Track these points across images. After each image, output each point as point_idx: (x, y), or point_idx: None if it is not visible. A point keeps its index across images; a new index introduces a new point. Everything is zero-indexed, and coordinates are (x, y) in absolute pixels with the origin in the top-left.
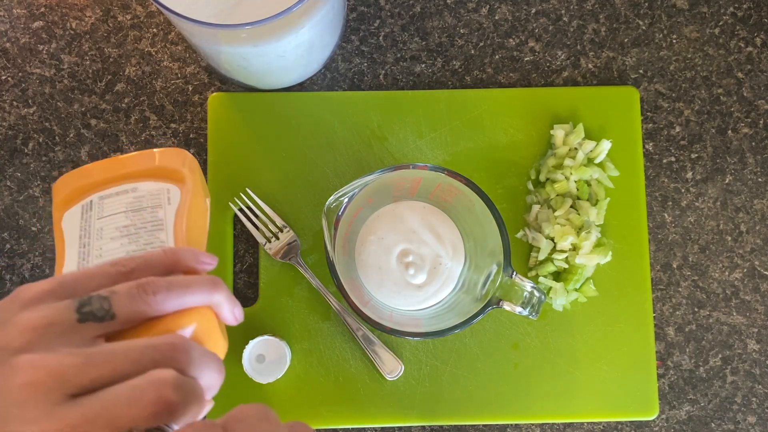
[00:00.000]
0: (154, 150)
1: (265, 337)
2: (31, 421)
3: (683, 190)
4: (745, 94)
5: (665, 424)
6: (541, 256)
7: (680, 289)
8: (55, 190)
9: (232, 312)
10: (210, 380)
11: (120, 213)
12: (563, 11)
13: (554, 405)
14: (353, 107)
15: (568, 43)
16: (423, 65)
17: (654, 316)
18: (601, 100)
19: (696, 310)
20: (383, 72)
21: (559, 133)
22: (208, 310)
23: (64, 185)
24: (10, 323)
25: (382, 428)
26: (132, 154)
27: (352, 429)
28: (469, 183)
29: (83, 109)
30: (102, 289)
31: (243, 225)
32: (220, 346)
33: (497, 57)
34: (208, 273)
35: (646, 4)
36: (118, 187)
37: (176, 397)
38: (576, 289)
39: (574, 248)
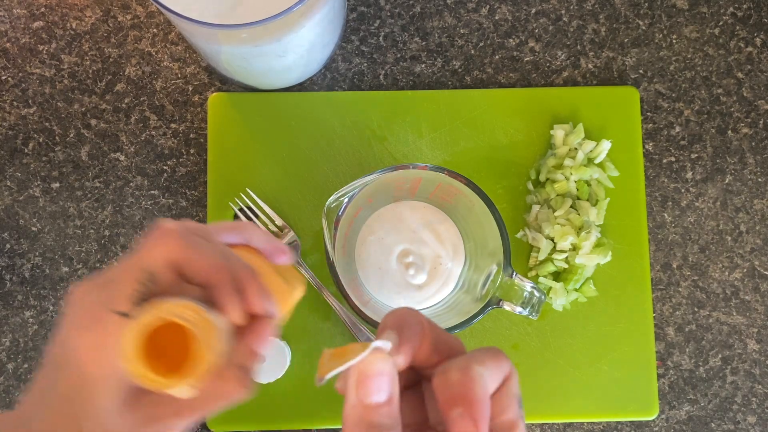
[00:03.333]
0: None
1: None
2: (75, 318)
3: (683, 190)
4: (745, 94)
5: (665, 424)
6: (541, 256)
7: (680, 289)
8: None
9: (269, 243)
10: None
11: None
12: (563, 11)
13: (554, 405)
14: (353, 107)
15: (568, 43)
16: (423, 65)
17: (654, 316)
18: (601, 100)
19: (696, 310)
20: (383, 72)
21: (559, 133)
22: (248, 251)
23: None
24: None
25: None
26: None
27: None
28: (469, 183)
29: (83, 109)
30: None
31: None
32: (277, 287)
33: (497, 57)
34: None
35: (646, 4)
36: None
37: (173, 226)
38: (576, 289)
39: (574, 248)
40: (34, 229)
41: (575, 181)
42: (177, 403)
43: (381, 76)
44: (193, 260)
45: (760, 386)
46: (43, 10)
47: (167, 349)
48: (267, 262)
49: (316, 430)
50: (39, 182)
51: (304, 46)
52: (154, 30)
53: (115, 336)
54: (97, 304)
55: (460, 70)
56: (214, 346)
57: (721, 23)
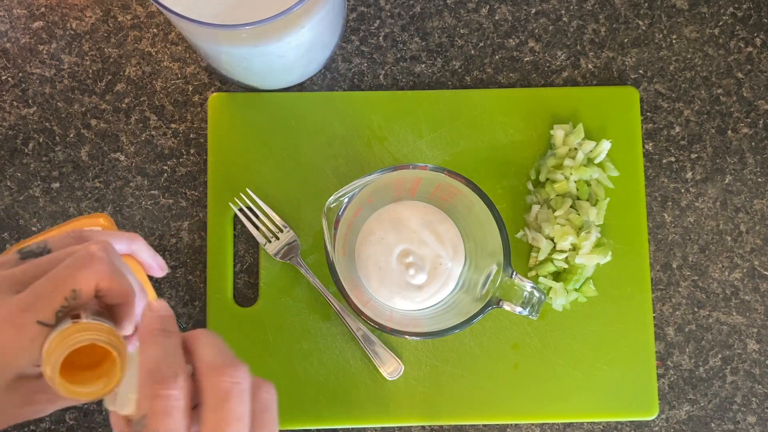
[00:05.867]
0: (80, 217)
1: None
2: None
3: (683, 190)
4: (745, 94)
5: (665, 424)
6: (541, 256)
7: (680, 289)
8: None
9: (153, 258)
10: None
11: None
12: (563, 11)
13: (554, 405)
14: (353, 107)
15: (568, 43)
16: (423, 65)
17: (654, 316)
18: (601, 100)
19: (696, 310)
20: (383, 72)
21: (559, 133)
22: (131, 260)
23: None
24: None
25: (382, 428)
26: (60, 224)
27: (352, 429)
28: (469, 183)
29: (83, 109)
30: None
31: (243, 225)
32: (152, 296)
33: (497, 57)
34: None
35: (646, 4)
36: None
37: (102, 253)
38: (576, 289)
39: (574, 248)
40: (34, 229)
41: (575, 181)
42: (52, 393)
43: (381, 76)
44: (114, 287)
45: (760, 386)
46: (43, 10)
47: (75, 359)
48: (143, 272)
49: (316, 429)
50: (39, 182)
51: (304, 46)
52: (154, 30)
53: (29, 340)
54: (21, 309)
55: (460, 70)
56: (125, 365)
57: (721, 23)
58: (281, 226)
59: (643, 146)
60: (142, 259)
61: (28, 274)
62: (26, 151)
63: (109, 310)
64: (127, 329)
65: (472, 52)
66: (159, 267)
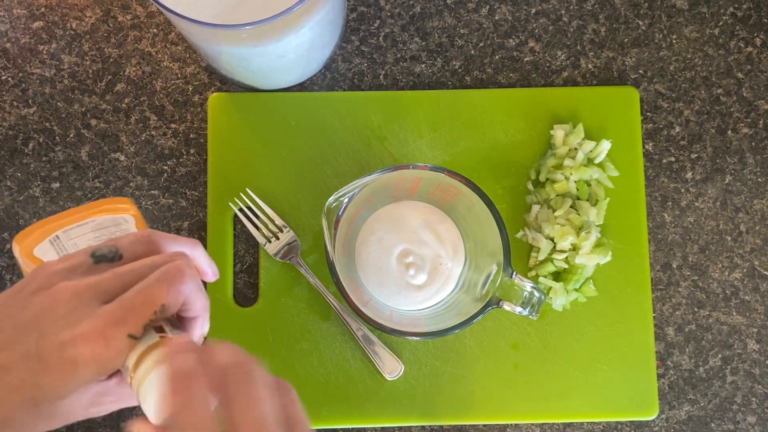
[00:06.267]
0: (101, 200)
1: None
2: (78, 323)
3: (683, 190)
4: (745, 94)
5: (665, 424)
6: (541, 256)
7: (680, 289)
8: (17, 240)
9: (209, 265)
10: (203, 300)
11: (87, 233)
12: (563, 11)
13: (554, 405)
14: (353, 107)
15: (568, 43)
16: (423, 65)
17: (654, 316)
18: (601, 100)
19: (696, 310)
20: (383, 72)
21: (559, 133)
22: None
23: (24, 235)
24: (37, 276)
25: (382, 428)
26: (82, 205)
27: (352, 429)
28: (469, 183)
29: (83, 109)
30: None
31: (243, 225)
32: None
33: (497, 57)
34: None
35: (646, 4)
36: (77, 223)
37: (190, 270)
38: (576, 289)
39: (574, 248)
40: None
41: (575, 181)
42: (118, 396)
43: (381, 76)
44: (197, 303)
45: (760, 386)
46: (43, 10)
47: None
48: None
49: (316, 430)
50: (39, 182)
51: (304, 46)
52: (154, 30)
53: (117, 352)
54: (112, 322)
55: (460, 70)
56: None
57: (721, 23)
58: (281, 226)
59: (643, 146)
60: (199, 265)
61: (113, 284)
62: (26, 151)
63: (181, 319)
64: (199, 340)
65: (472, 52)
66: (213, 273)
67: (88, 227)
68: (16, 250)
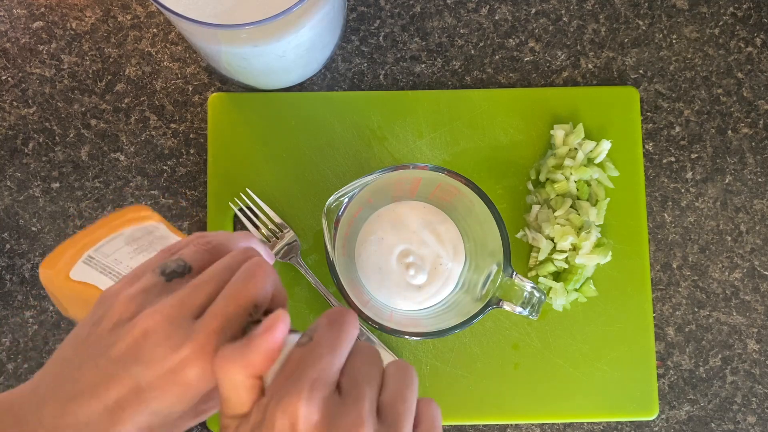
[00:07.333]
0: (117, 211)
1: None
2: (180, 347)
3: (683, 190)
4: (745, 94)
5: (665, 424)
6: (541, 256)
7: (680, 289)
8: (46, 266)
9: (268, 254)
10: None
11: (123, 247)
12: (563, 11)
13: (554, 405)
14: (353, 107)
15: (568, 43)
16: (423, 65)
17: (654, 316)
18: (601, 100)
19: (696, 310)
20: (383, 72)
21: (559, 133)
22: None
23: (53, 261)
24: (113, 305)
25: None
26: (100, 219)
27: None
28: (469, 183)
29: (83, 109)
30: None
31: (243, 225)
32: None
33: (497, 57)
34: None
35: (646, 4)
36: (104, 240)
37: (267, 265)
38: (576, 289)
39: (574, 248)
40: (34, 229)
41: (575, 181)
42: (216, 403)
43: (381, 76)
44: (279, 293)
45: (760, 386)
46: (43, 10)
47: None
48: None
49: None
50: (39, 182)
51: (304, 46)
52: (154, 30)
53: (224, 368)
54: (212, 338)
55: (460, 70)
56: None
57: (721, 23)
58: (281, 226)
59: (643, 146)
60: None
61: (198, 298)
62: (26, 151)
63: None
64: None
65: (472, 52)
66: (272, 260)
67: (121, 241)
68: (46, 276)
